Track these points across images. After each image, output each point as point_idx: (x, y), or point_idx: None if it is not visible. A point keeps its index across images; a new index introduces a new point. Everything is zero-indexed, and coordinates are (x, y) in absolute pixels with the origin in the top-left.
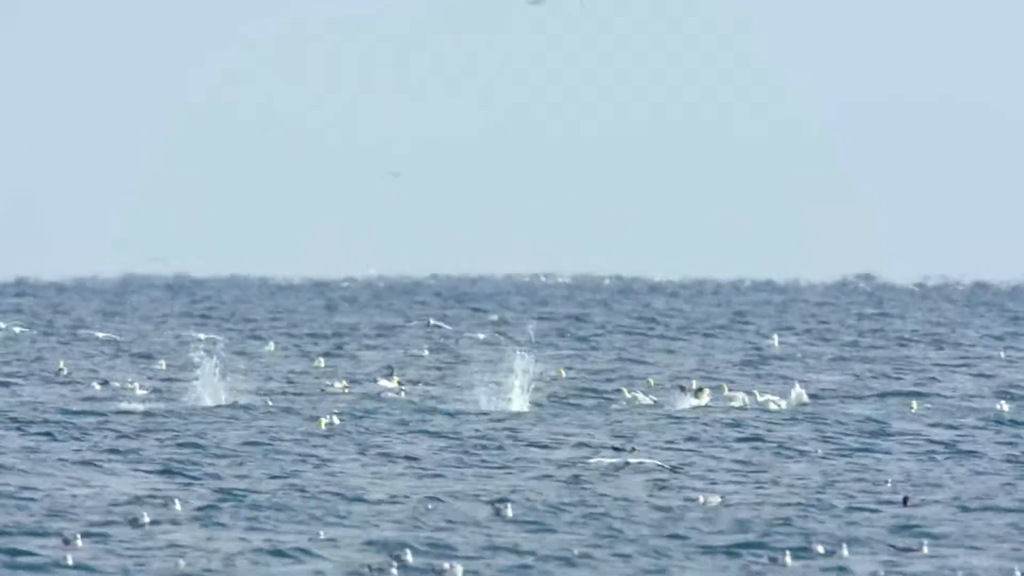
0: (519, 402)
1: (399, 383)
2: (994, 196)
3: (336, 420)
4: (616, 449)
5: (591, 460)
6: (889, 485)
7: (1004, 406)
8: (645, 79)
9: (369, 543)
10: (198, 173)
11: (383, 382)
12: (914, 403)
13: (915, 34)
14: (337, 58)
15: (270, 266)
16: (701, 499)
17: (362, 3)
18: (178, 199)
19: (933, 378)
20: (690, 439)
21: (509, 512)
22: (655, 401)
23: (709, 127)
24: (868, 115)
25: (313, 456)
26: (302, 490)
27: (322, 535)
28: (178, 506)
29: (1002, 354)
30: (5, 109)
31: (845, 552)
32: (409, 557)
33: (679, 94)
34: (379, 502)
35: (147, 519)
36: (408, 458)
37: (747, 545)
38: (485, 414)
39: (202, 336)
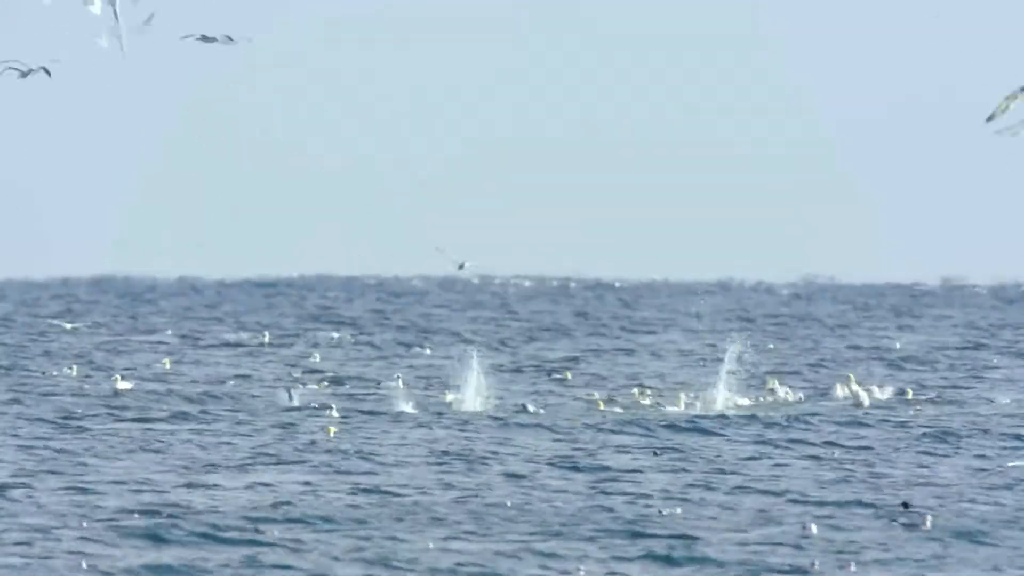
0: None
1: (403, 384)
2: (993, 196)
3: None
4: None
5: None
6: None
7: None
8: (644, 79)
9: None
10: (198, 173)
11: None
12: None
13: (915, 34)
14: (337, 58)
15: (269, 266)
16: None
17: (362, 3)
18: (178, 199)
19: None
20: None
21: None
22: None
23: (708, 128)
24: (868, 116)
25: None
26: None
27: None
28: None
29: None
30: (4, 108)
31: None
32: None
33: (678, 95)
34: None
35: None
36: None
37: None
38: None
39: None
